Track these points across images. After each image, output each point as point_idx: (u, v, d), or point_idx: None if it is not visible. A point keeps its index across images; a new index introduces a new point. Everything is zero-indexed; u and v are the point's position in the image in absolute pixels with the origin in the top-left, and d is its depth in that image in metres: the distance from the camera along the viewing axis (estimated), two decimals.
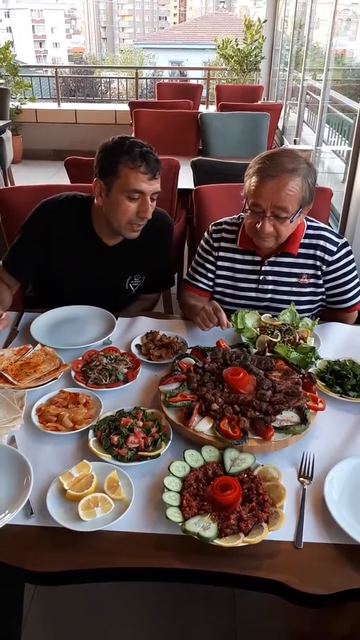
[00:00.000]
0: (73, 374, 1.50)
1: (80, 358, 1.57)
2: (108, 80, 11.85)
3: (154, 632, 1.74)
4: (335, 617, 1.72)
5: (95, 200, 1.78)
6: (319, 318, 1.76)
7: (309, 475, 1.22)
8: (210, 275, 1.89)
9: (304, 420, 1.32)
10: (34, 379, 1.47)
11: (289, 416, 1.34)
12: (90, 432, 1.29)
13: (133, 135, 4.54)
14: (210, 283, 1.90)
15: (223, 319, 1.61)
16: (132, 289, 1.98)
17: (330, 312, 1.92)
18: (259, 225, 1.63)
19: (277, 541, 1.06)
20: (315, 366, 1.57)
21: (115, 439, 1.24)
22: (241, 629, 1.74)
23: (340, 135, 5.70)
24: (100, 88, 11.70)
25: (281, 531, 1.06)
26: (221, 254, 1.86)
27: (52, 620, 1.78)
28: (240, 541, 1.03)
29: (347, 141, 5.41)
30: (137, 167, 1.65)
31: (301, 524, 1.09)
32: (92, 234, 1.85)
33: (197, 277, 1.91)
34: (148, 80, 10.78)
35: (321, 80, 4.95)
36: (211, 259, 1.88)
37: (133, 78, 9.04)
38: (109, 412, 1.35)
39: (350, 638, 1.71)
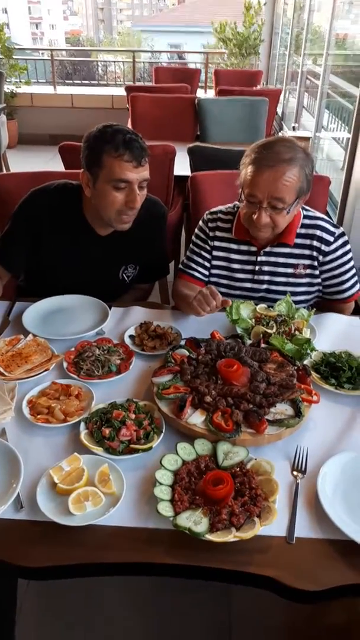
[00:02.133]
0: (65, 365, 1.48)
1: (72, 349, 1.55)
2: (105, 63, 11.68)
3: (148, 622, 1.74)
4: (331, 609, 1.73)
5: (84, 191, 1.74)
6: (315, 309, 1.74)
7: (303, 469, 1.21)
8: (205, 264, 1.86)
9: (298, 413, 1.30)
10: (25, 370, 1.45)
11: (282, 409, 1.32)
12: (82, 424, 1.28)
13: (130, 120, 4.50)
14: (206, 272, 1.87)
15: (219, 299, 1.56)
16: (126, 278, 1.96)
17: (326, 302, 1.90)
18: (255, 216, 1.60)
19: (269, 536, 1.05)
20: (311, 358, 1.56)
21: (107, 431, 1.23)
22: (235, 619, 1.75)
23: (339, 122, 5.63)
24: (97, 71, 11.53)
25: (273, 526, 1.05)
26: (216, 243, 1.83)
27: (46, 612, 1.78)
28: (231, 536, 1.02)
29: (346, 127, 5.34)
30: (120, 156, 1.60)
31: (293, 519, 1.08)
32: (84, 223, 1.82)
33: (193, 265, 1.88)
34: (146, 63, 10.60)
35: (321, 65, 4.88)
36: (207, 247, 1.85)
37: (130, 61, 8.90)
38: (101, 404, 1.33)
39: (345, 630, 1.72)
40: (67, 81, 10.01)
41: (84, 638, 1.70)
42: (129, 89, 5.07)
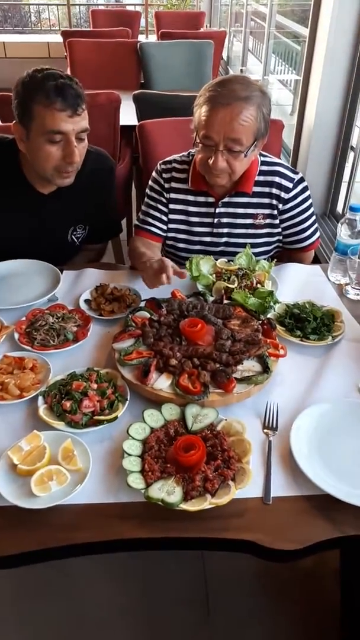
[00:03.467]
0: (17, 336, 1.38)
1: (23, 318, 1.44)
2: (38, 8, 10.87)
3: (125, 591, 1.73)
4: None
5: (19, 146, 1.58)
6: (275, 259, 1.68)
7: (274, 426, 1.17)
8: (163, 218, 1.75)
9: (265, 369, 1.26)
10: None
11: (250, 366, 1.27)
12: (40, 398, 1.19)
13: (68, 70, 4.20)
14: (164, 227, 1.76)
15: (169, 273, 1.39)
16: (76, 240, 1.83)
17: (286, 252, 1.85)
18: (211, 161, 1.50)
19: (245, 499, 1.02)
20: (274, 311, 1.51)
21: (68, 404, 1.15)
22: (211, 571, 1.77)
23: (286, 64, 5.48)
24: (30, 18, 10.73)
25: (248, 488, 1.02)
26: (172, 195, 1.72)
27: (19, 588, 1.74)
28: (207, 503, 0.98)
29: (293, 71, 5.20)
30: (52, 104, 1.44)
31: (269, 479, 1.05)
32: (23, 181, 1.66)
33: (149, 220, 1.76)
34: (82, 7, 9.93)
35: (266, 4, 4.67)
36: (163, 200, 1.74)
37: (65, 5, 8.31)
38: (59, 376, 1.25)
39: (313, 571, 1.77)
40: None
41: (60, 613, 1.67)
42: (65, 34, 4.74)
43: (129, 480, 1.00)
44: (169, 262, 1.40)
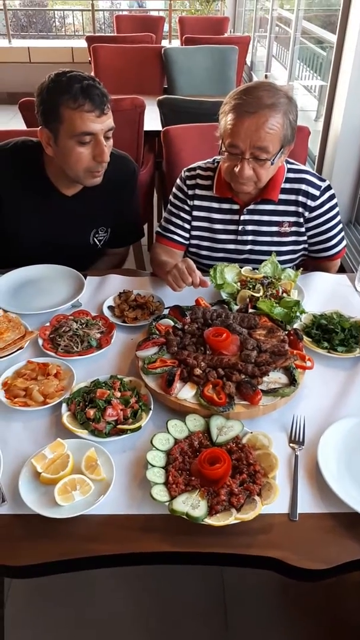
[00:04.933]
0: (41, 341, 1.37)
1: (47, 324, 1.44)
2: (63, 14, 10.98)
3: (142, 603, 1.71)
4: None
5: (45, 150, 1.59)
6: (301, 268, 1.66)
7: (301, 440, 1.14)
8: (185, 226, 1.74)
9: (292, 381, 1.23)
10: None
11: (276, 377, 1.25)
12: (64, 406, 1.19)
13: (92, 74, 4.22)
14: (186, 235, 1.75)
15: (197, 278, 1.43)
16: (98, 243, 1.82)
17: (312, 261, 1.82)
18: (237, 169, 1.48)
19: (271, 514, 0.99)
20: (301, 321, 1.48)
21: (92, 412, 1.14)
22: (229, 582, 1.74)
23: (311, 70, 5.44)
24: (54, 23, 10.85)
25: (274, 503, 0.99)
26: (196, 202, 1.71)
27: (34, 592, 1.73)
28: (232, 518, 0.96)
29: (318, 76, 5.16)
30: (80, 107, 1.45)
31: (295, 495, 1.03)
32: (47, 184, 1.67)
33: (171, 228, 1.76)
34: (106, 13, 10.01)
35: (292, 10, 4.64)
36: (186, 208, 1.73)
37: (89, 10, 8.38)
38: (82, 383, 1.24)
39: (335, 585, 1.73)
40: (22, 33, 9.42)
41: (73, 621, 1.66)
42: (90, 40, 4.76)
43: (153, 492, 0.99)
44: (194, 265, 1.43)
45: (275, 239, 1.70)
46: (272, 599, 1.73)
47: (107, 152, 1.53)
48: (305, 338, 1.41)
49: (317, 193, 1.64)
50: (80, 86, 1.45)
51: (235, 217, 1.69)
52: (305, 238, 1.72)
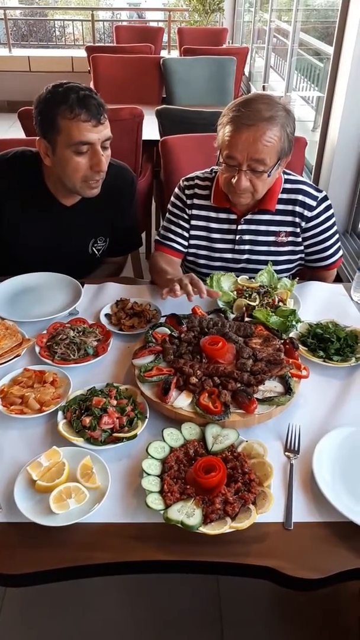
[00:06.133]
0: (37, 349, 1.38)
1: (44, 331, 1.44)
2: (63, 23, 11.08)
3: (137, 605, 1.70)
4: None
5: (44, 161, 1.60)
6: (298, 277, 1.67)
7: (296, 449, 1.15)
8: (184, 234, 1.75)
9: (288, 390, 1.24)
10: None
11: (272, 386, 1.26)
12: (60, 413, 1.19)
13: (92, 84, 4.26)
14: (185, 243, 1.76)
15: (203, 288, 1.43)
16: (97, 252, 1.84)
17: (308, 270, 1.83)
18: (234, 180, 1.50)
19: (266, 523, 0.99)
20: (296, 330, 1.49)
21: (87, 420, 1.14)
22: (225, 591, 1.73)
23: (308, 81, 5.48)
24: (54, 33, 10.94)
25: (269, 512, 0.99)
26: (195, 212, 1.72)
27: (28, 614, 1.71)
28: (227, 527, 0.96)
29: (316, 87, 5.21)
30: (77, 116, 1.46)
31: (290, 503, 1.03)
32: (46, 193, 1.68)
33: (171, 236, 1.76)
34: (105, 23, 10.11)
35: (290, 21, 4.70)
36: (184, 216, 1.74)
37: (89, 20, 8.45)
38: (79, 391, 1.24)
39: (332, 594, 1.72)
40: (22, 42, 9.50)
41: (68, 630, 1.64)
42: (89, 49, 4.80)
43: (148, 500, 0.99)
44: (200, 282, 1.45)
45: (272, 248, 1.71)
46: (268, 609, 1.72)
47: (105, 162, 1.54)
48: (301, 347, 1.41)
49: (313, 203, 1.65)
50: (76, 96, 1.47)
51: (233, 226, 1.70)
52: (301, 248, 1.73)
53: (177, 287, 1.41)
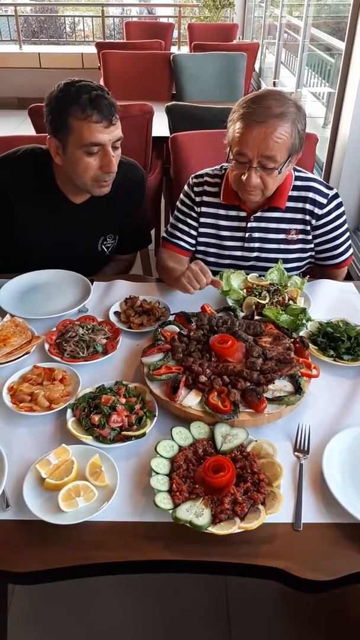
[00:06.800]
0: (47, 346, 1.38)
1: (54, 329, 1.44)
2: (73, 20, 11.08)
3: (144, 610, 1.70)
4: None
5: (54, 159, 1.59)
6: (308, 275, 1.65)
7: (305, 449, 1.14)
8: (192, 232, 1.74)
9: (298, 389, 1.23)
10: (3, 353, 1.34)
11: (281, 385, 1.25)
12: (69, 411, 1.19)
13: (102, 80, 4.25)
14: (192, 241, 1.76)
15: (210, 278, 1.46)
16: (106, 250, 1.83)
17: (319, 268, 1.82)
18: (244, 177, 1.48)
19: (275, 523, 0.99)
20: (307, 328, 1.48)
21: (96, 418, 1.14)
22: (233, 593, 1.73)
23: (319, 77, 5.44)
24: (64, 29, 10.94)
25: (278, 512, 0.99)
26: (203, 209, 1.71)
27: (37, 598, 1.72)
28: (236, 527, 0.95)
29: (327, 83, 5.17)
30: (88, 117, 1.45)
31: (300, 504, 1.02)
32: (56, 191, 1.67)
33: (178, 234, 1.76)
34: (116, 19, 10.09)
35: (301, 16, 4.66)
36: (193, 214, 1.73)
37: (99, 16, 8.44)
38: (88, 389, 1.24)
39: (341, 596, 1.71)
40: (33, 39, 9.51)
41: (74, 629, 1.65)
42: (99, 46, 4.79)
43: (157, 500, 0.99)
44: (205, 266, 1.47)
45: (282, 246, 1.69)
46: (276, 610, 1.71)
47: (115, 163, 1.53)
48: (311, 346, 1.40)
49: (324, 201, 1.64)
50: (88, 97, 1.45)
51: (243, 224, 1.69)
52: (312, 246, 1.72)
53: (192, 290, 1.46)
